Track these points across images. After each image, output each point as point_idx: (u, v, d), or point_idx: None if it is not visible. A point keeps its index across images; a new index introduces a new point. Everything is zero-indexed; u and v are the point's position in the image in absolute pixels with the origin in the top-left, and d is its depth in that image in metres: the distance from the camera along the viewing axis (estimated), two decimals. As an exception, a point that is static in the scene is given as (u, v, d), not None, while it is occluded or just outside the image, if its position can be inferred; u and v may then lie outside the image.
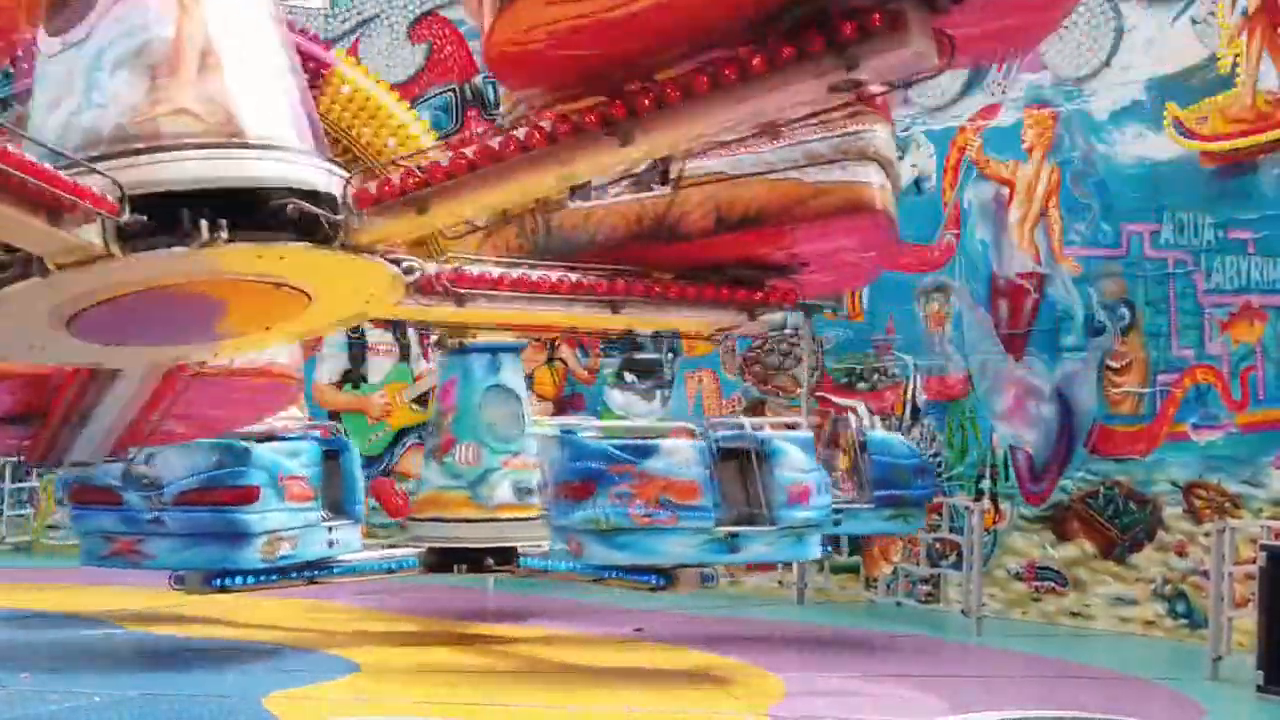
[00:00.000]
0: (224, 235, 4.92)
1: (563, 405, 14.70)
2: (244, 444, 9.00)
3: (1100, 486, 11.66)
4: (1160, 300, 11.31)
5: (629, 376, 14.56)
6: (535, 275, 8.12)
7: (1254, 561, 8.89)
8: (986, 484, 12.41)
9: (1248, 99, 10.55)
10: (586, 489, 8.59)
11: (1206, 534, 10.15)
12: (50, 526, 15.38)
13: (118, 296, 5.28)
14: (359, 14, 15.38)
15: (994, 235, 12.62)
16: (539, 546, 10.09)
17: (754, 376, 14.26)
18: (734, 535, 8.66)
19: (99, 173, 4.85)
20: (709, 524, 8.59)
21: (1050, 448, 12.03)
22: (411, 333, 15.55)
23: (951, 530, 12.32)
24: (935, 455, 13.08)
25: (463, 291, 7.81)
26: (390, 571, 10.34)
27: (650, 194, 8.65)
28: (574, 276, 8.17)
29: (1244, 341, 10.70)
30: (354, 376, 15.21)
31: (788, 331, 14.14)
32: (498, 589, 13.52)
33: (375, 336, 15.55)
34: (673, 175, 8.25)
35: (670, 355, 14.46)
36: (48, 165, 4.70)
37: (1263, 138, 10.47)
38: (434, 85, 15.17)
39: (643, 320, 9.01)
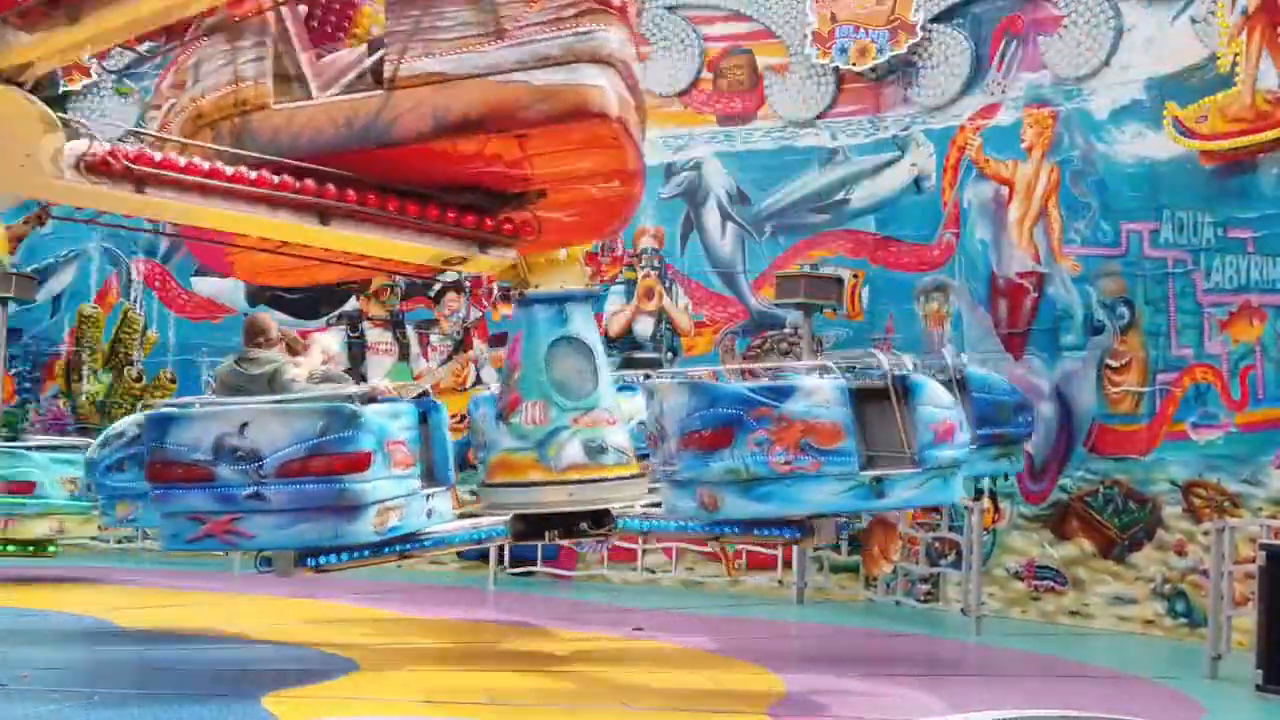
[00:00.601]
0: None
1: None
2: (351, 407, 8.08)
3: (1099, 485, 11.67)
4: (1160, 299, 11.32)
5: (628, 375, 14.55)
6: (230, 170, 7.58)
7: (1253, 560, 8.89)
8: (986, 483, 12.41)
9: (1247, 98, 10.56)
10: (723, 437, 7.84)
11: (1206, 533, 10.15)
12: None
13: None
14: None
15: (993, 234, 12.64)
16: (626, 507, 9.10)
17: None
18: (879, 480, 7.87)
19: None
20: (853, 469, 7.81)
21: (1050, 447, 12.04)
22: (411, 331, 15.56)
23: (951, 529, 12.33)
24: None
25: (144, 173, 7.30)
26: (479, 542, 9.44)
27: (362, 94, 8.26)
28: (277, 176, 7.65)
29: (1243, 341, 10.70)
30: (353, 376, 15.20)
31: (787, 330, 14.16)
32: (497, 588, 13.55)
33: (375, 336, 15.57)
34: (387, 75, 8.20)
35: (670, 355, 14.47)
36: None
37: (1262, 137, 10.47)
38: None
39: (358, 241, 8.37)
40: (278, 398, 8.37)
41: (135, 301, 16.14)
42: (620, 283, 14.77)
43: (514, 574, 13.93)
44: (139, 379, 16.24)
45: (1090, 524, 11.72)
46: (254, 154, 7.96)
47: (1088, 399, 11.81)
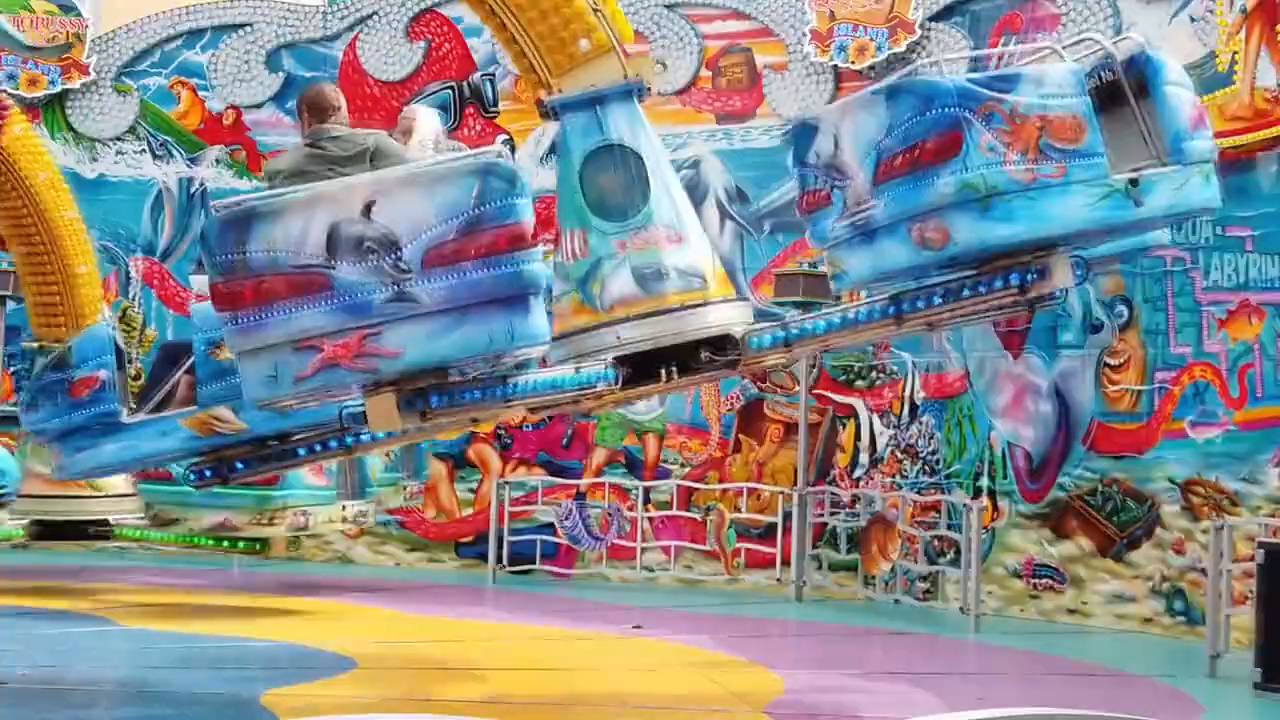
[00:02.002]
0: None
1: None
2: (507, 164, 6.54)
3: (1098, 484, 11.67)
4: (1158, 298, 11.32)
5: (627, 374, 14.53)
6: None
7: (1252, 559, 8.90)
8: (985, 481, 12.42)
9: (1246, 96, 10.55)
10: (948, 145, 6.25)
11: (1204, 531, 10.16)
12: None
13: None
14: (357, 12, 15.38)
15: (992, 233, 12.61)
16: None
17: (752, 374, 14.27)
18: (1135, 183, 6.32)
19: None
20: (1104, 171, 6.30)
21: (1048, 445, 12.04)
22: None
23: (949, 528, 12.33)
24: (934, 453, 13.10)
25: None
26: (587, 387, 7.16)
27: None
28: None
29: (1242, 339, 10.70)
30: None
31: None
32: (498, 584, 13.55)
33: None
34: None
35: (668, 353, 14.43)
36: None
37: (1261, 135, 10.46)
38: (433, 82, 15.18)
39: None
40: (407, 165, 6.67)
41: (134, 300, 16.13)
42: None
43: (513, 572, 13.93)
44: (137, 377, 16.22)
45: (1089, 522, 11.72)
46: None
47: (1086, 397, 11.81)
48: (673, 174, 7.27)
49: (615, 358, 6.86)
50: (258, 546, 12.85)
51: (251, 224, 6.17)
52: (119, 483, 12.02)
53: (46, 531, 12.26)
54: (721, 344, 6.93)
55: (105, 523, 12.28)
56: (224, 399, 8.13)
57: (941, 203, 6.24)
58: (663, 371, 6.73)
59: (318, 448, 8.02)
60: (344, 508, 11.29)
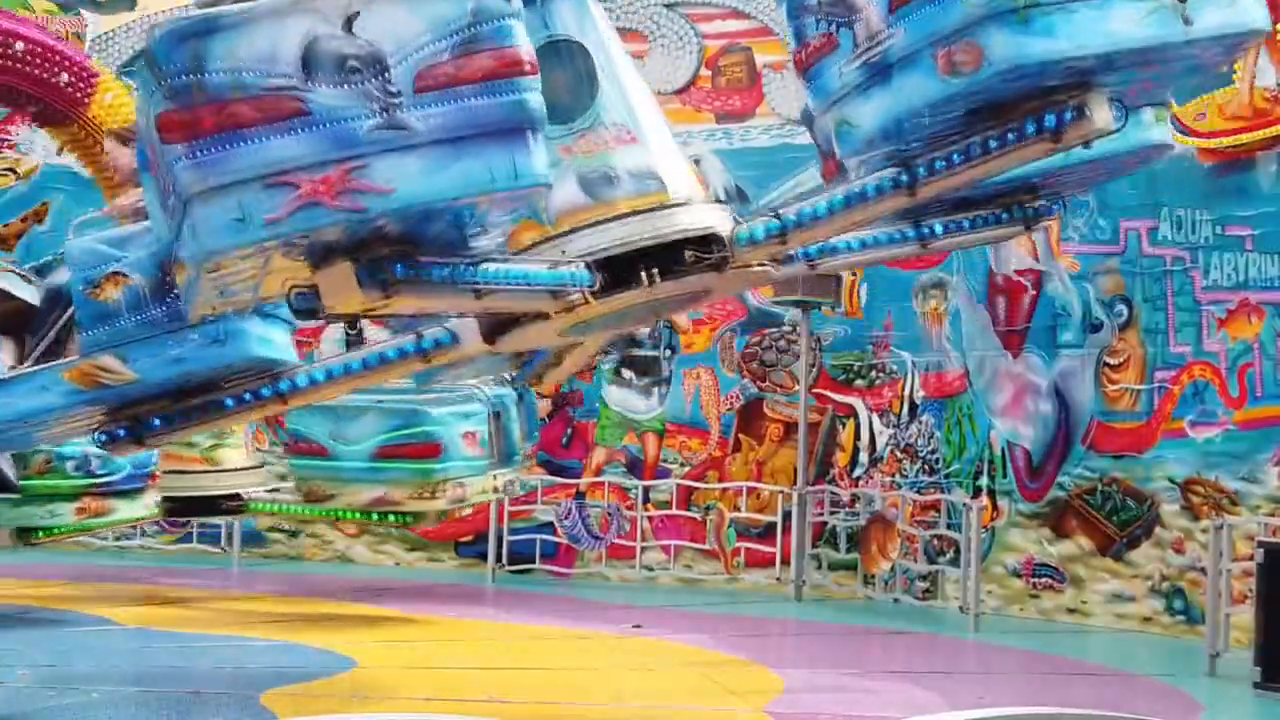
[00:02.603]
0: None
1: (560, 402, 14.72)
2: None
3: (1098, 483, 11.67)
4: (1158, 297, 11.32)
5: (626, 373, 14.57)
6: None
7: (1251, 558, 8.90)
8: (984, 481, 12.42)
9: (1246, 96, 10.55)
10: None
11: (1204, 531, 10.16)
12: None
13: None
14: (357, 10, 15.38)
15: (992, 232, 12.61)
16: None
17: (751, 373, 14.28)
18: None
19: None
20: None
21: (1048, 444, 12.04)
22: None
23: (949, 527, 12.33)
24: (933, 452, 13.11)
25: None
26: (561, 284, 6.18)
27: None
28: None
29: (1241, 338, 10.70)
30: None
31: (785, 328, 14.17)
32: (497, 584, 13.54)
33: (372, 334, 15.52)
34: None
35: (669, 352, 14.48)
36: None
37: (1260, 134, 10.46)
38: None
39: None
40: None
41: (133, 299, 16.13)
42: (618, 280, 14.74)
43: (512, 571, 13.93)
44: (137, 376, 16.21)
45: (1088, 522, 11.72)
46: None
47: (1086, 397, 11.81)
48: (630, 71, 6.60)
49: (590, 261, 6.08)
50: (408, 520, 12.29)
51: (209, 38, 5.11)
52: (237, 456, 11.69)
53: (179, 508, 11.85)
54: (708, 247, 6.28)
55: (237, 497, 11.99)
56: (108, 345, 6.84)
57: (973, 19, 5.44)
58: (643, 274, 6.03)
59: (248, 397, 6.80)
60: (494, 477, 10.88)
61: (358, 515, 12.22)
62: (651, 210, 6.21)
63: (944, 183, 6.02)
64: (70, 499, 10.68)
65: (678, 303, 6.96)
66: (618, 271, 6.09)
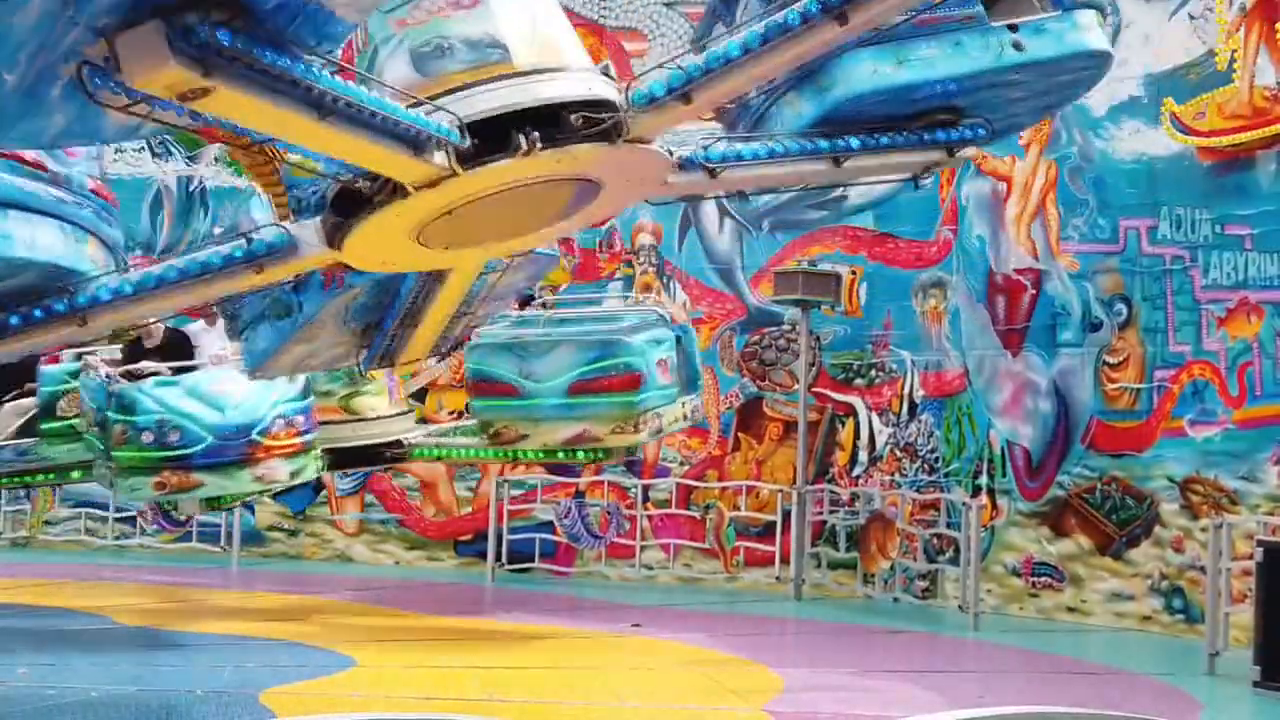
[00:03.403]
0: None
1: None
2: None
3: (1097, 482, 11.67)
4: (1157, 296, 11.32)
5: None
6: None
7: (1250, 557, 8.90)
8: (984, 480, 12.42)
9: (1245, 95, 10.55)
10: None
11: (1203, 529, 10.16)
12: (47, 522, 15.39)
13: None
14: (356, 9, 15.37)
15: (991, 231, 12.64)
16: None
17: (751, 372, 14.28)
18: (1013, 27, 6.49)
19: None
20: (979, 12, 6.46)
21: (1047, 443, 12.04)
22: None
23: (948, 526, 12.34)
24: (933, 451, 13.11)
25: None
26: (425, 135, 5.37)
27: None
28: None
29: (1241, 337, 10.70)
30: (352, 372, 15.14)
31: (785, 327, 14.17)
32: (497, 583, 13.55)
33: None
34: None
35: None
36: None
37: (1260, 133, 10.46)
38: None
39: None
40: None
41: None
42: (618, 279, 14.76)
43: (511, 571, 13.93)
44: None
45: (1088, 520, 11.72)
46: None
47: (1085, 395, 11.81)
48: None
49: (464, 125, 5.41)
50: (601, 455, 11.37)
51: None
52: (380, 404, 10.97)
53: (342, 460, 11.04)
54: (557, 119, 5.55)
55: (399, 444, 11.11)
56: None
57: None
58: (521, 139, 5.38)
59: (38, 314, 5.87)
60: (683, 404, 10.37)
61: (543, 455, 11.34)
62: (491, 81, 5.49)
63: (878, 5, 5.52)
64: (147, 473, 9.57)
65: (554, 203, 6.09)
66: (491, 143, 5.47)
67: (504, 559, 13.92)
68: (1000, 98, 6.73)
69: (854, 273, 13.86)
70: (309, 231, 6.02)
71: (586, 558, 14.23)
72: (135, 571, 13.54)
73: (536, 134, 5.41)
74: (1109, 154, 11.75)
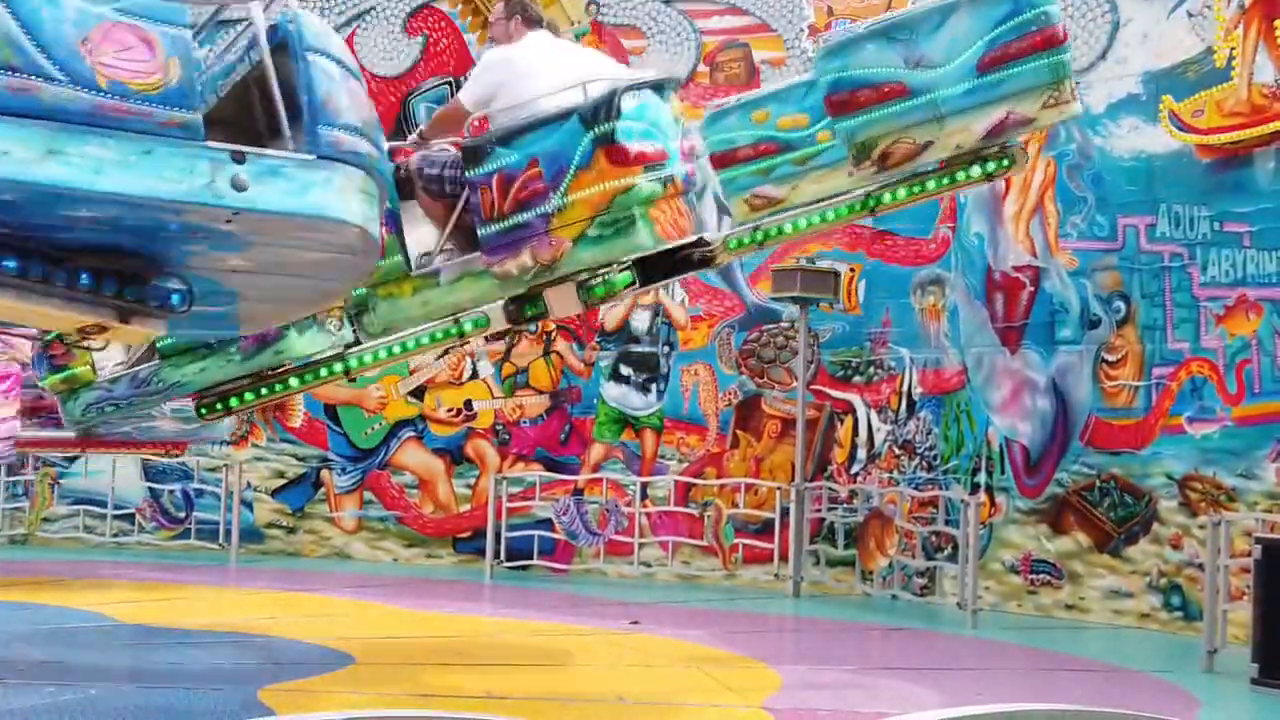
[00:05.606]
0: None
1: (558, 398, 14.72)
2: None
3: (1096, 479, 11.68)
4: (1156, 293, 11.32)
5: (625, 370, 14.57)
6: None
7: (1249, 554, 8.91)
8: (982, 477, 12.43)
9: (1244, 92, 10.56)
10: None
11: (1202, 527, 10.16)
12: (46, 520, 15.38)
13: None
14: (355, 6, 15.37)
15: (990, 228, 12.64)
16: None
17: (749, 369, 14.28)
18: (242, 159, 4.89)
19: None
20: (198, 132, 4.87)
21: (1046, 441, 12.05)
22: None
23: (947, 523, 12.34)
24: (931, 448, 13.11)
25: None
26: None
27: None
28: None
29: (1240, 335, 10.71)
30: (349, 370, 15.14)
31: (783, 324, 14.16)
32: (495, 580, 13.55)
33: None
34: None
35: (666, 349, 14.47)
36: None
37: (1258, 131, 10.47)
38: (431, 77, 15.17)
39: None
40: None
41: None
42: (617, 277, 14.75)
43: (510, 568, 13.93)
44: (135, 373, 16.19)
45: (1086, 518, 11.73)
46: None
47: (1084, 393, 11.82)
48: None
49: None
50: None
51: None
52: None
53: (650, 269, 9.28)
54: None
55: (703, 242, 9.24)
56: None
57: None
58: None
59: None
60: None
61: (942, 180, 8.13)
62: None
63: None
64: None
65: None
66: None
67: (502, 556, 13.92)
68: (202, 256, 5.08)
69: (852, 270, 13.86)
70: None
71: (585, 555, 14.23)
72: (134, 568, 13.53)
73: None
74: (1107, 151, 11.76)
